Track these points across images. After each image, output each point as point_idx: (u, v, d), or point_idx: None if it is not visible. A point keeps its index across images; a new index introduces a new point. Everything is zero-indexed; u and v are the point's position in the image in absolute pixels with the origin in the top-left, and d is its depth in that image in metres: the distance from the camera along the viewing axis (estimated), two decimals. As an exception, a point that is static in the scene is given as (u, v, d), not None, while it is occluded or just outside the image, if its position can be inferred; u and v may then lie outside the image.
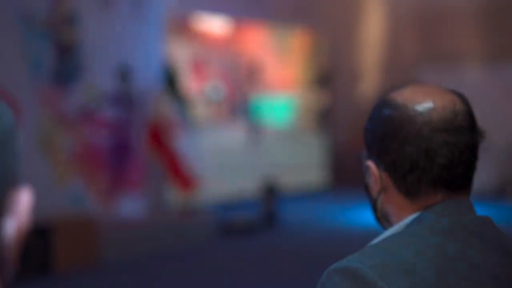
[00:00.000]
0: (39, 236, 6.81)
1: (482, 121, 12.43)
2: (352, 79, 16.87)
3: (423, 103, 1.12)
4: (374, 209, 1.19)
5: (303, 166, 13.61)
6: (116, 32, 8.96)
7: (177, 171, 9.31)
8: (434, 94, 1.14)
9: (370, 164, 1.17)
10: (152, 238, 8.03)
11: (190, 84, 11.58)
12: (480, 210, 10.73)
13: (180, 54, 11.26)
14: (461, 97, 1.16)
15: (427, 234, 1.08)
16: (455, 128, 1.11)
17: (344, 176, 15.50)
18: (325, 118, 14.60)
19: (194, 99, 11.53)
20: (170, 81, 9.40)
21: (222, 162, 12.12)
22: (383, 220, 1.18)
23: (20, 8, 7.91)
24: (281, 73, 13.41)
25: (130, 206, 8.95)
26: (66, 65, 8.41)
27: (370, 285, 1.01)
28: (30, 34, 8.02)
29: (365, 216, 10.31)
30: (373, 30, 16.81)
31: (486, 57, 14.42)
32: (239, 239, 8.79)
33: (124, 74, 9.07)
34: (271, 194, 9.68)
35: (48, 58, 8.24)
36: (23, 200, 0.80)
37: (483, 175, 12.77)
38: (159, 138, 9.25)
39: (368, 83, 16.81)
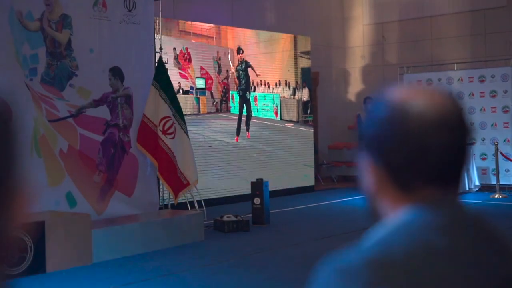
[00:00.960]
0: (32, 235, 6.85)
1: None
2: (337, 81, 16.95)
3: (417, 103, 1.14)
4: (369, 204, 1.22)
5: (291, 163, 13.66)
6: (108, 34, 8.99)
7: (169, 170, 9.35)
8: (426, 95, 1.16)
9: (366, 161, 1.20)
10: (145, 237, 8.07)
11: (179, 78, 11.61)
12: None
13: (169, 49, 11.28)
14: (452, 97, 1.18)
15: (422, 231, 1.09)
16: (447, 127, 1.13)
17: (330, 173, 15.59)
18: (310, 118, 14.61)
19: (183, 94, 11.58)
20: (161, 79, 9.43)
21: (213, 158, 12.16)
22: (378, 215, 1.20)
23: (12, 9, 7.94)
24: (266, 71, 13.45)
25: (123, 205, 8.99)
26: (59, 67, 8.45)
27: (370, 285, 1.03)
28: (23, 36, 8.05)
29: (355, 211, 10.35)
30: (358, 34, 16.89)
31: (471, 60, 14.53)
32: (230, 237, 8.84)
33: (117, 76, 9.10)
34: (261, 190, 9.70)
35: (41, 60, 8.27)
36: (22, 196, 0.82)
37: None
38: (151, 137, 9.29)
39: (353, 85, 16.90)
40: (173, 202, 9.61)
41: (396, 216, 1.15)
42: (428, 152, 1.13)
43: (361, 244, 1.11)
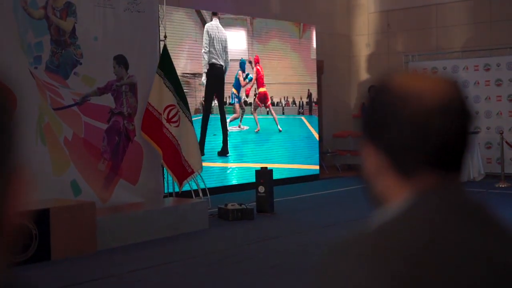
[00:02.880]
0: (37, 222, 6.88)
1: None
2: (342, 69, 16.92)
3: (418, 88, 1.14)
4: (370, 190, 1.20)
5: (296, 151, 13.67)
6: (112, 22, 8.98)
7: (174, 158, 9.36)
8: (428, 80, 1.16)
9: (367, 146, 1.19)
10: (149, 225, 8.10)
11: (186, 68, 11.62)
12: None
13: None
14: (455, 83, 1.17)
15: (423, 218, 1.09)
16: (448, 112, 1.12)
17: (334, 162, 15.59)
18: (316, 106, 14.61)
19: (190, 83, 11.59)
20: (166, 67, 9.42)
21: (218, 147, 12.18)
22: (378, 202, 1.19)
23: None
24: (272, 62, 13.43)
25: (127, 193, 9.01)
26: (63, 55, 8.45)
27: (369, 269, 1.03)
28: (27, 24, 8.05)
29: (359, 199, 10.35)
30: (363, 22, 16.84)
31: (477, 49, 14.48)
32: (234, 225, 8.86)
33: (121, 64, 9.10)
34: (265, 179, 9.71)
35: (46, 48, 8.28)
36: (22, 182, 0.81)
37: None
38: (156, 125, 9.29)
39: (358, 74, 16.87)
40: (178, 190, 9.62)
41: (397, 202, 1.15)
42: (428, 137, 1.12)
43: (362, 230, 1.11)
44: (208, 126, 12.04)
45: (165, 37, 9.81)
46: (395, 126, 1.14)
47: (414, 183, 1.14)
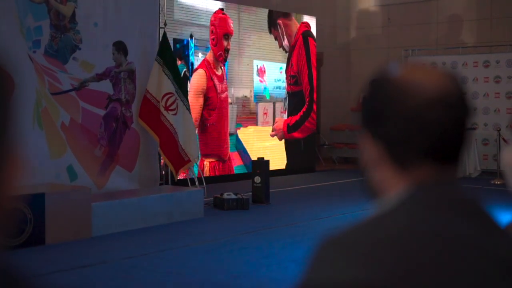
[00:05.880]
0: (32, 207, 6.88)
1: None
2: (341, 62, 16.90)
3: (417, 80, 1.14)
4: (367, 182, 1.21)
5: (291, 142, 13.68)
6: (113, 8, 8.96)
7: (171, 146, 9.36)
8: (427, 73, 1.16)
9: (366, 137, 1.19)
10: (144, 212, 8.10)
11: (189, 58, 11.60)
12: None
13: (176, 26, 11.26)
14: (454, 77, 1.17)
15: (418, 211, 1.09)
16: (446, 105, 1.12)
17: (330, 154, 15.60)
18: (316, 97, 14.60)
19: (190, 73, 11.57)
20: (165, 55, 9.40)
21: (214, 137, 12.17)
22: (375, 194, 1.19)
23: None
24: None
25: (123, 179, 9.01)
26: (62, 40, 8.43)
27: (361, 260, 1.03)
28: (27, 8, 8.02)
29: (355, 192, 10.37)
30: (364, 15, 16.81)
31: (476, 45, 14.47)
32: (229, 214, 8.86)
33: (120, 50, 9.08)
34: (261, 169, 9.71)
35: (45, 33, 8.25)
36: (16, 166, 0.81)
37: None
38: (153, 113, 9.28)
39: (357, 67, 16.84)
40: (174, 178, 9.62)
41: (393, 195, 1.15)
42: (426, 129, 1.12)
43: (358, 223, 1.11)
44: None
45: (165, 24, 9.79)
46: (393, 118, 1.14)
47: (410, 175, 1.14)
